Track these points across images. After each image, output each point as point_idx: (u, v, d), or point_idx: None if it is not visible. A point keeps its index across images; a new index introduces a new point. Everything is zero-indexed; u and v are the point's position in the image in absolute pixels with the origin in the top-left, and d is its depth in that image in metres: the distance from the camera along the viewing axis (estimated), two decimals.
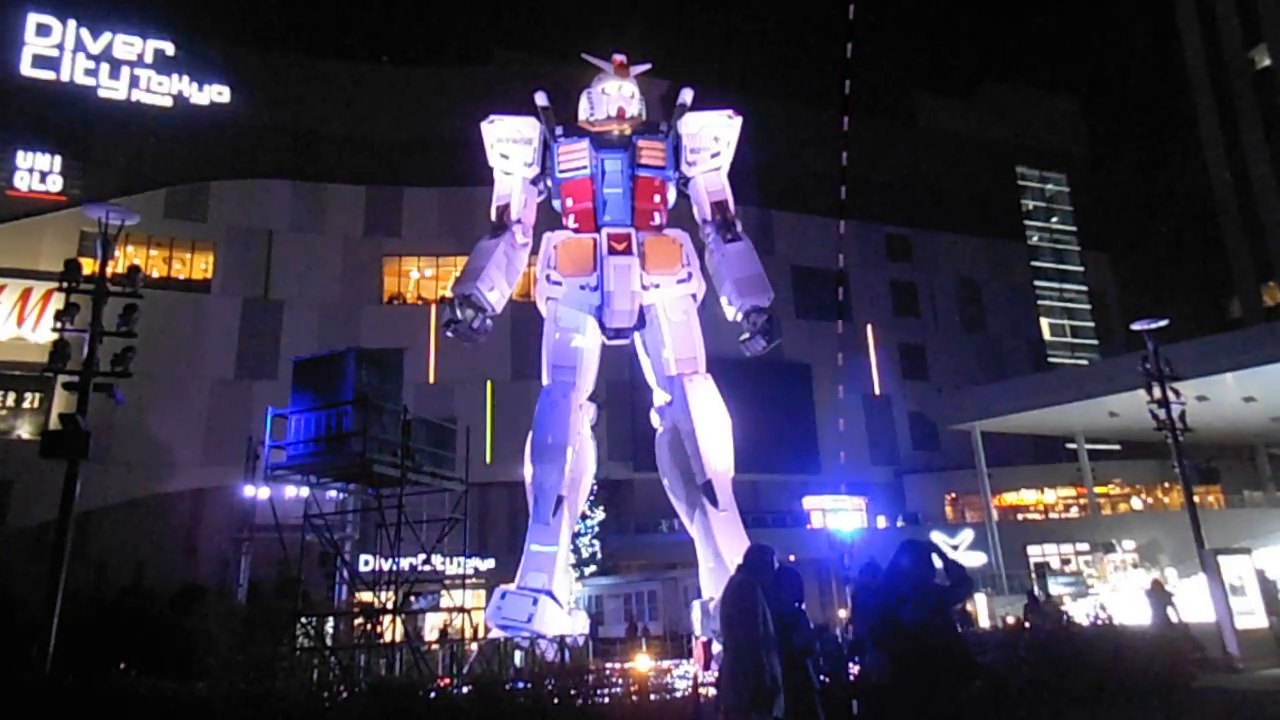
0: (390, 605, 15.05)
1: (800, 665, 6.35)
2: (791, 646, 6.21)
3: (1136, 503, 47.39)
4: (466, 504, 15.88)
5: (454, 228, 43.41)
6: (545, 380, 14.50)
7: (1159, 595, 18.60)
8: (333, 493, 17.79)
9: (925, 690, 5.82)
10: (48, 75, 42.56)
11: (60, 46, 43.18)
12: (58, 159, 41.38)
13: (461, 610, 17.36)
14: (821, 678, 7.28)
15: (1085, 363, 54.82)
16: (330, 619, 18.13)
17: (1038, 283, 60.45)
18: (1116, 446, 48.50)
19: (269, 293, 44.43)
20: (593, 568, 35.15)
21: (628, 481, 40.97)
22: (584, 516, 29.47)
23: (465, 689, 10.31)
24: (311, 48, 61.55)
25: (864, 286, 52.66)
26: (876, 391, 52.40)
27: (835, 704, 7.11)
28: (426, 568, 16.12)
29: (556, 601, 13.33)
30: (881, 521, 46.27)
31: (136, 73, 44.25)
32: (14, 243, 39.43)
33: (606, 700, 10.26)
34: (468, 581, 28.55)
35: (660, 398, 14.82)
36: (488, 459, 38.18)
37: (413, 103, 47.91)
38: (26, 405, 38.74)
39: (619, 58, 15.91)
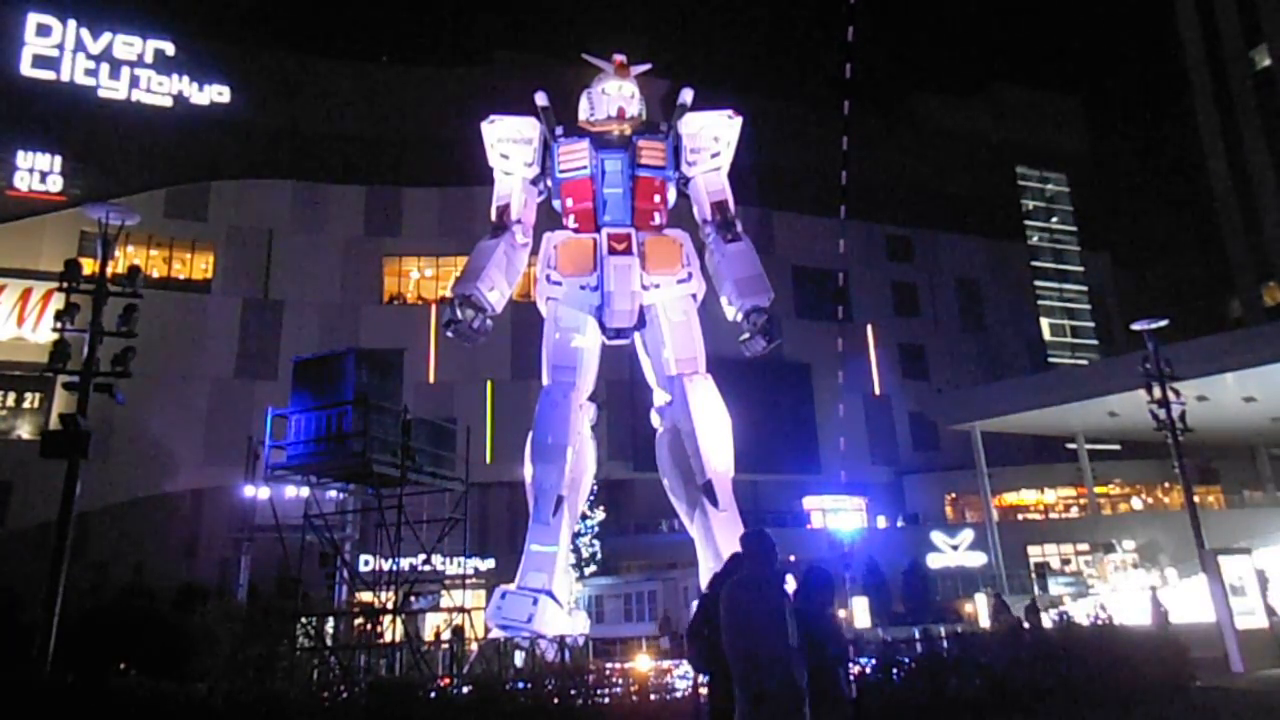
0: (390, 605, 15.05)
1: (833, 674, 5.98)
2: (824, 655, 5.86)
3: (1136, 503, 47.37)
4: (466, 504, 15.88)
5: (454, 228, 43.39)
6: (545, 380, 14.49)
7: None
8: (333, 493, 17.81)
9: None
10: (48, 75, 42.56)
11: (60, 46, 43.18)
12: (58, 159, 41.40)
13: (462, 610, 17.35)
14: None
15: (1085, 363, 54.77)
16: (330, 619, 18.13)
17: (1038, 283, 60.43)
18: (1116, 446, 48.49)
19: (269, 293, 44.42)
20: (593, 568, 35.09)
21: (628, 481, 40.96)
22: (584, 516, 29.38)
23: (465, 689, 10.31)
24: (312, 48, 61.46)
25: (864, 286, 52.62)
26: (876, 391, 52.37)
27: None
28: (426, 568, 16.14)
29: (556, 601, 13.34)
30: (882, 521, 46.28)
31: (136, 73, 44.25)
32: (14, 243, 39.44)
33: (606, 700, 10.26)
34: (468, 581, 28.53)
35: (660, 398, 14.81)
36: (488, 459, 38.17)
37: (413, 103, 47.89)
38: (26, 405, 38.74)
39: (619, 58, 15.90)
